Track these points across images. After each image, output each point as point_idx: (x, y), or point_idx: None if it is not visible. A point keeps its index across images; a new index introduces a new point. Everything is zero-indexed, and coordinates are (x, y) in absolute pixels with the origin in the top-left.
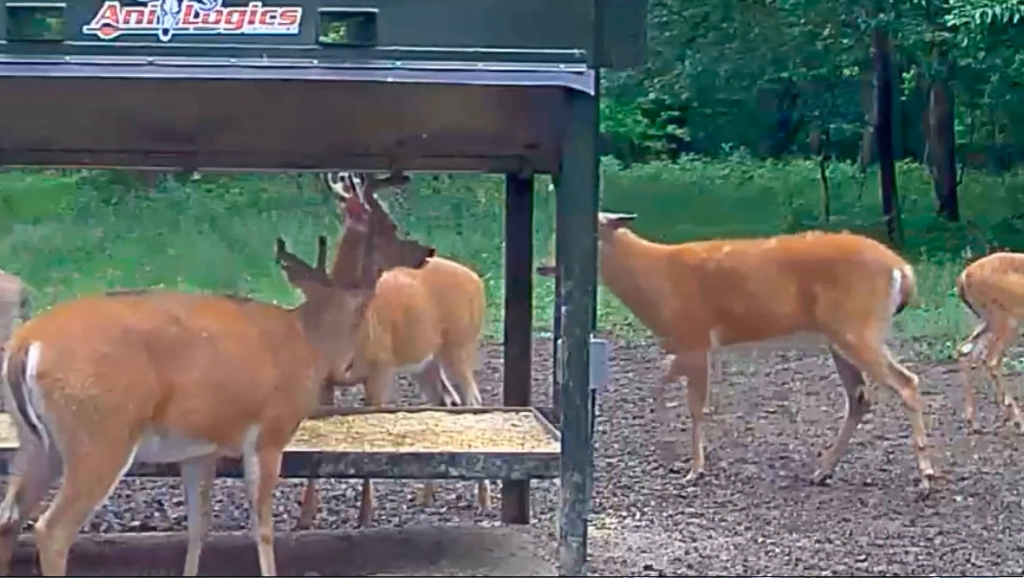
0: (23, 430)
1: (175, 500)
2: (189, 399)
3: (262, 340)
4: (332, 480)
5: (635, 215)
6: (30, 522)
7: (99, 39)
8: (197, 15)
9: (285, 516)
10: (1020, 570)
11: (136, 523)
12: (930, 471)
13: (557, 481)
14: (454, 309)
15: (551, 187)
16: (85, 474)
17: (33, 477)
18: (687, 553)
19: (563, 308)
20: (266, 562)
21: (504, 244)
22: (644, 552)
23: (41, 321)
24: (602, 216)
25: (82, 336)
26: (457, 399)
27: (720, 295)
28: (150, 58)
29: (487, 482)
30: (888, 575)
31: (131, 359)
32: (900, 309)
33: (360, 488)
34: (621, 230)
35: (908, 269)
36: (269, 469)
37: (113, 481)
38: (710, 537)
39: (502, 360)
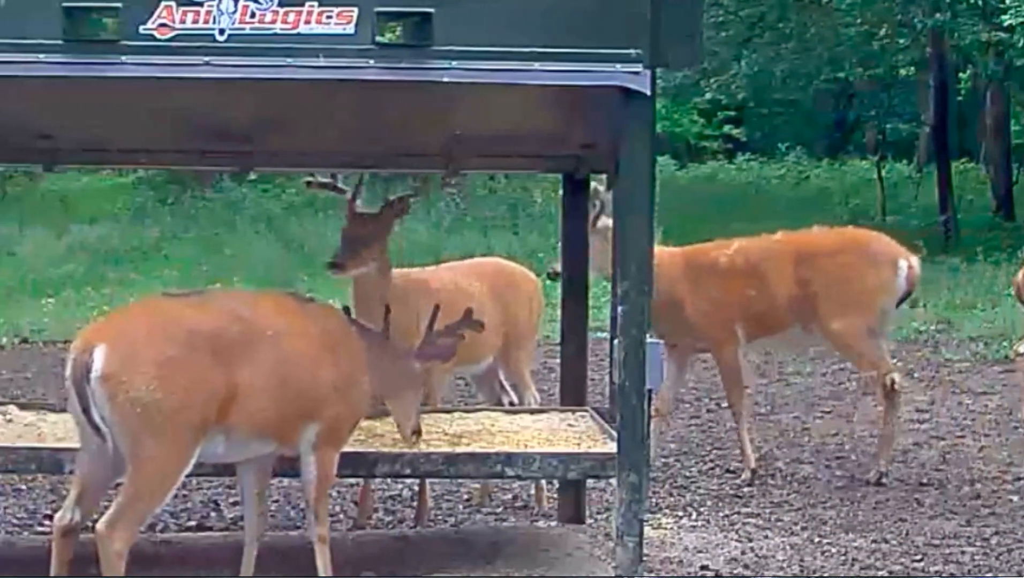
0: (86, 431)
1: (231, 500)
2: (253, 398)
3: (323, 339)
4: (388, 480)
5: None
6: (90, 523)
7: (155, 39)
8: (253, 15)
9: (341, 516)
10: None
11: (192, 523)
12: (884, 469)
13: (613, 481)
14: (514, 310)
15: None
16: (147, 476)
17: (94, 478)
18: (743, 553)
19: (619, 308)
20: (322, 562)
21: (560, 244)
22: (700, 552)
23: (105, 322)
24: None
25: (146, 338)
26: (515, 399)
27: (735, 291)
28: (206, 58)
29: (543, 482)
30: (944, 575)
31: (195, 360)
32: (904, 299)
33: (416, 488)
34: None
35: (915, 260)
36: (326, 469)
37: (175, 483)
38: (766, 537)
39: (558, 360)
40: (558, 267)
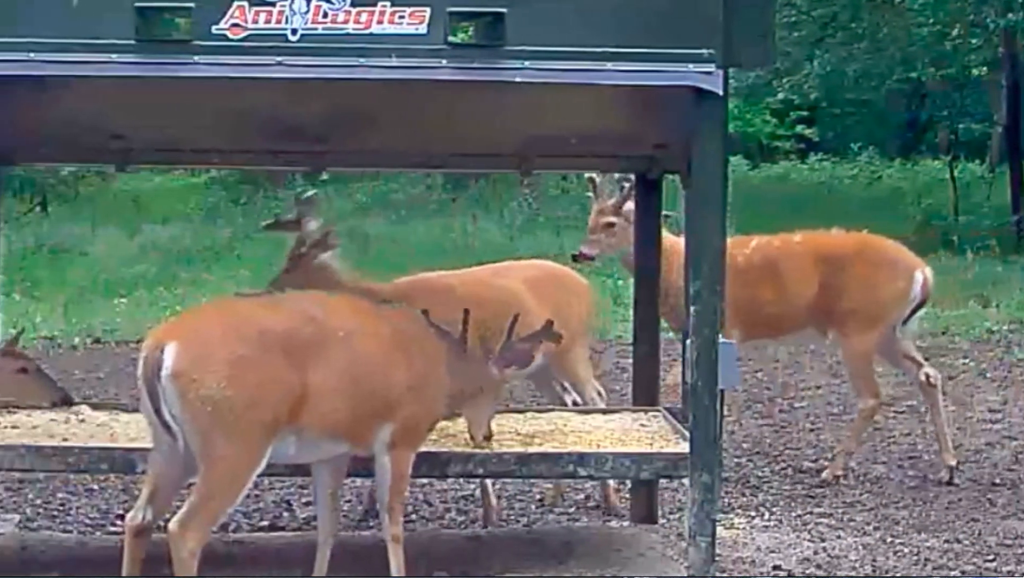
0: (157, 430)
1: (304, 500)
2: (325, 399)
3: (396, 339)
4: (461, 480)
5: (671, 213)
6: (163, 523)
7: (228, 39)
8: (326, 15)
9: (414, 516)
10: None
11: (265, 523)
12: (840, 472)
13: (686, 481)
14: (564, 313)
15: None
16: (218, 475)
17: (167, 478)
18: (815, 553)
19: (692, 308)
20: (395, 562)
21: (633, 244)
22: (773, 552)
23: (177, 321)
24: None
25: (218, 336)
26: (577, 398)
27: (746, 290)
28: (279, 58)
29: (612, 482)
30: (1017, 575)
31: (267, 360)
32: (918, 309)
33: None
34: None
35: (928, 271)
36: (400, 469)
37: (247, 482)
38: (839, 537)
39: (631, 360)
40: (585, 249)
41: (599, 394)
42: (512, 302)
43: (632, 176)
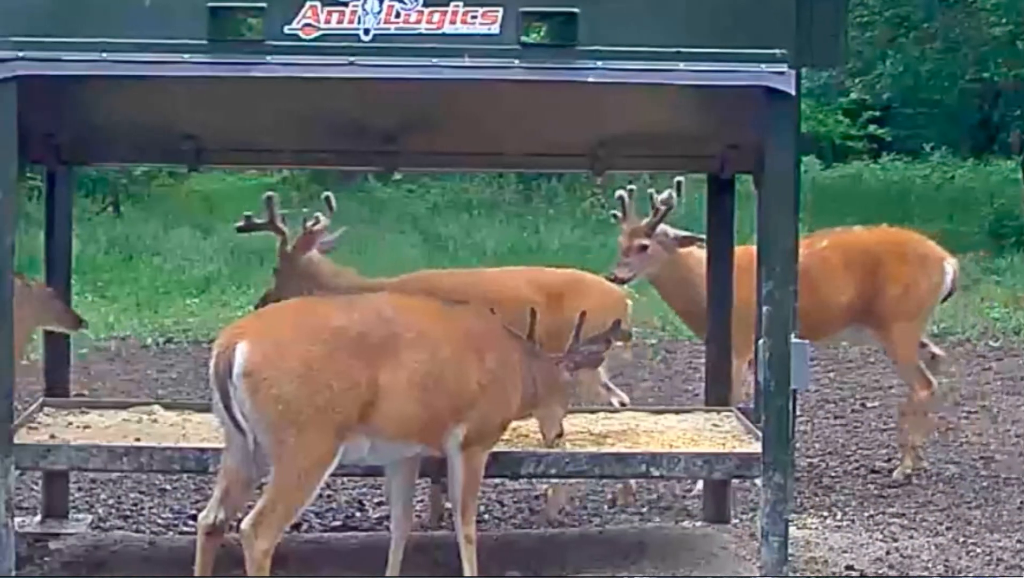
0: (229, 429)
1: (376, 499)
2: (397, 400)
3: (469, 339)
4: (533, 480)
5: (703, 237)
6: (235, 522)
7: (300, 39)
8: (398, 15)
9: (486, 516)
10: None
11: (337, 523)
12: (910, 470)
13: (758, 481)
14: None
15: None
16: (290, 475)
17: (239, 478)
18: (888, 553)
19: (764, 308)
20: (468, 562)
21: (705, 245)
22: (845, 552)
23: (249, 320)
24: (670, 229)
25: (290, 336)
26: (625, 399)
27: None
28: (351, 58)
29: (631, 482)
30: None
31: (338, 360)
32: (945, 300)
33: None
34: (686, 250)
35: (954, 261)
36: (473, 469)
37: (318, 482)
38: (911, 537)
39: (704, 360)
40: (619, 273)
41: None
42: (511, 301)
43: (672, 192)
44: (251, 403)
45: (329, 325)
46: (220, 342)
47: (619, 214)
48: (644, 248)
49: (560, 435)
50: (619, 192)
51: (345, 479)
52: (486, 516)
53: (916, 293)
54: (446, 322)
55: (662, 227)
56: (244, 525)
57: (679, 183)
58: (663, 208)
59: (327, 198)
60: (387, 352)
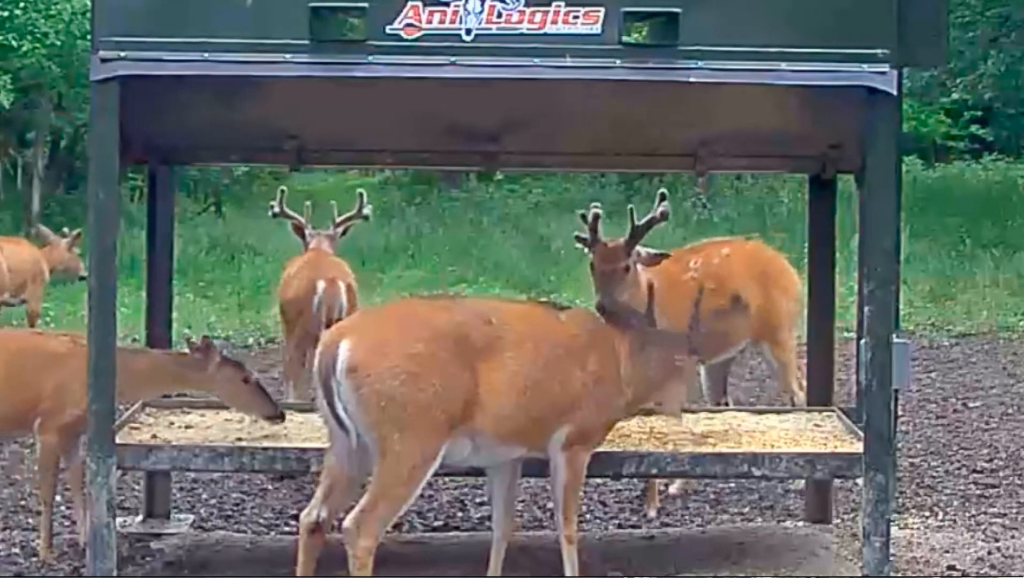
0: (332, 427)
1: (478, 500)
2: (499, 403)
3: (572, 342)
4: (635, 480)
5: (670, 253)
6: (337, 521)
7: (402, 39)
8: (500, 15)
9: (588, 516)
10: None
11: (439, 523)
12: None
13: (860, 481)
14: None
15: (855, 187)
16: (393, 473)
17: (341, 476)
18: (990, 553)
19: (865, 308)
20: (570, 563)
21: (807, 244)
22: (947, 552)
23: (354, 319)
24: (643, 250)
25: (394, 335)
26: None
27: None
28: (453, 58)
29: (656, 483)
30: None
31: (441, 360)
32: None
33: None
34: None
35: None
36: (575, 469)
37: (421, 481)
38: (1013, 537)
39: (805, 360)
40: (603, 302)
41: None
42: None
43: (667, 205)
44: (355, 400)
45: (432, 325)
46: (324, 340)
47: (585, 237)
48: (627, 269)
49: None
50: (584, 210)
51: (447, 479)
52: (588, 516)
53: (794, 301)
54: (548, 327)
55: (638, 248)
56: (347, 523)
57: (662, 194)
58: (643, 224)
59: (360, 195)
60: (489, 355)
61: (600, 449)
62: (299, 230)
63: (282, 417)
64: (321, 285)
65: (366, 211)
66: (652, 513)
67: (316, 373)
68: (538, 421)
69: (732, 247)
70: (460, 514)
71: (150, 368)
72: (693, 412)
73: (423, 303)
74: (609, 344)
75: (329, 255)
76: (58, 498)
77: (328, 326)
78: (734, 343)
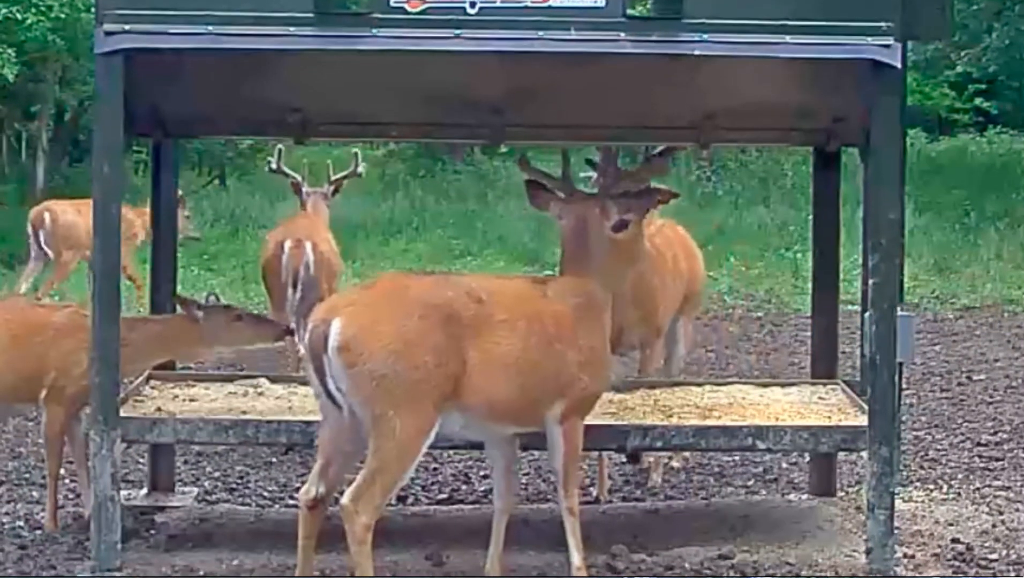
0: (324, 403)
1: (482, 473)
2: (489, 381)
3: (563, 321)
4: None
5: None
6: (338, 496)
7: (406, 12)
8: None
9: (592, 489)
10: None
11: (443, 496)
12: None
13: (864, 454)
14: None
15: (859, 160)
16: (388, 448)
17: (337, 451)
18: (994, 526)
19: (870, 281)
20: (572, 536)
21: (811, 217)
22: (951, 525)
23: (344, 295)
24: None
25: (384, 311)
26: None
27: None
28: (457, 31)
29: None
30: None
31: (433, 336)
32: None
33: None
34: None
35: None
36: (573, 442)
37: (417, 454)
38: (1017, 510)
39: (809, 333)
40: None
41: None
42: None
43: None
44: (346, 377)
45: (423, 302)
46: (315, 317)
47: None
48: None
49: None
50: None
51: (451, 452)
52: (592, 489)
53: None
54: (541, 303)
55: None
56: (344, 500)
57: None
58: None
59: (355, 154)
60: (480, 332)
61: (605, 422)
62: (296, 188)
63: (291, 332)
64: (287, 245)
65: (360, 169)
66: (657, 479)
67: (308, 350)
68: (531, 400)
69: (661, 222)
70: (465, 487)
71: (143, 338)
72: (699, 385)
73: (414, 279)
74: (595, 312)
75: (312, 219)
76: (62, 471)
77: (294, 286)
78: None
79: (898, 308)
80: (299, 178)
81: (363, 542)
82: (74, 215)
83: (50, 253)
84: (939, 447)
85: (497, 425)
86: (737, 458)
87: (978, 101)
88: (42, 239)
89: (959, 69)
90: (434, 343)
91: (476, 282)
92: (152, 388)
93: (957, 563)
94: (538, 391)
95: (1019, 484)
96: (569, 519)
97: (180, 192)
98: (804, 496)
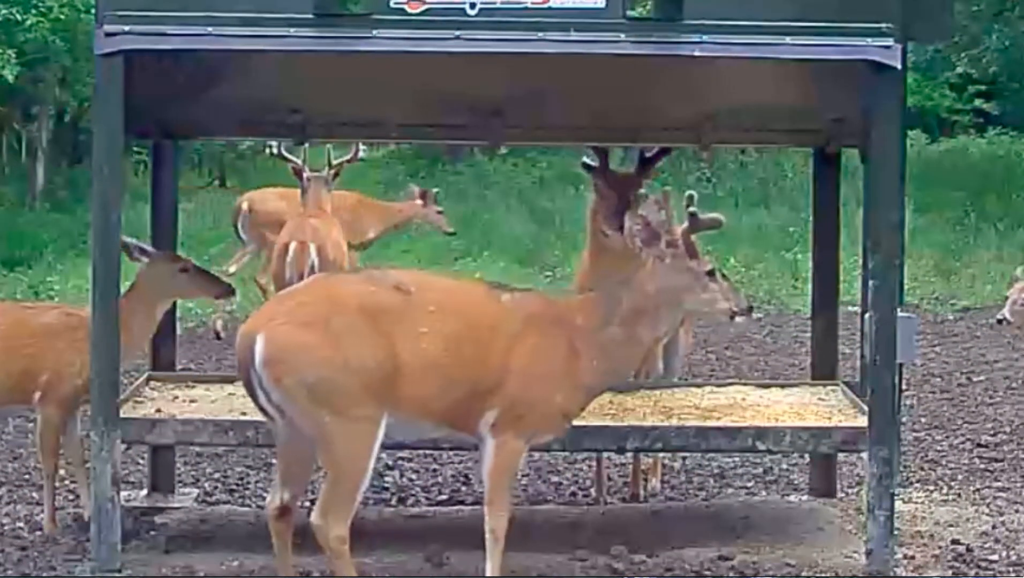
0: (265, 416)
1: None
2: (414, 374)
3: (504, 326)
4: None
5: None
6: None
7: (406, 13)
8: None
9: (592, 490)
10: None
11: (443, 497)
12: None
13: (864, 455)
14: None
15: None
16: (338, 456)
17: (293, 457)
18: (994, 527)
19: (870, 282)
20: (492, 561)
21: (811, 218)
22: (951, 526)
23: (267, 308)
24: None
25: (308, 318)
26: None
27: None
28: (457, 32)
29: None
30: None
31: (358, 334)
32: None
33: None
34: None
35: None
36: (503, 458)
37: (369, 455)
38: (1017, 511)
39: (809, 334)
40: None
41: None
42: None
43: None
44: (278, 391)
45: (345, 302)
46: (240, 332)
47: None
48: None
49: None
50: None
51: (451, 453)
52: (592, 490)
53: None
54: (479, 302)
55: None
56: (313, 519)
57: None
58: (654, 155)
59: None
60: (404, 324)
61: (604, 423)
62: (297, 173)
63: (232, 291)
64: (292, 248)
65: (361, 154)
66: (656, 484)
67: (238, 365)
68: (457, 399)
69: None
70: (465, 488)
71: None
72: (699, 386)
73: (339, 279)
74: (559, 331)
75: (322, 217)
76: (63, 472)
77: None
78: None
79: (899, 309)
80: (299, 163)
81: (341, 555)
82: (276, 202)
83: (247, 240)
84: (939, 448)
85: (427, 423)
86: (737, 459)
87: (978, 102)
88: (239, 227)
89: (959, 70)
90: (360, 341)
91: (411, 277)
92: (152, 389)
93: (957, 564)
94: (462, 389)
95: (1019, 485)
96: (489, 539)
97: (436, 189)
98: (804, 497)
